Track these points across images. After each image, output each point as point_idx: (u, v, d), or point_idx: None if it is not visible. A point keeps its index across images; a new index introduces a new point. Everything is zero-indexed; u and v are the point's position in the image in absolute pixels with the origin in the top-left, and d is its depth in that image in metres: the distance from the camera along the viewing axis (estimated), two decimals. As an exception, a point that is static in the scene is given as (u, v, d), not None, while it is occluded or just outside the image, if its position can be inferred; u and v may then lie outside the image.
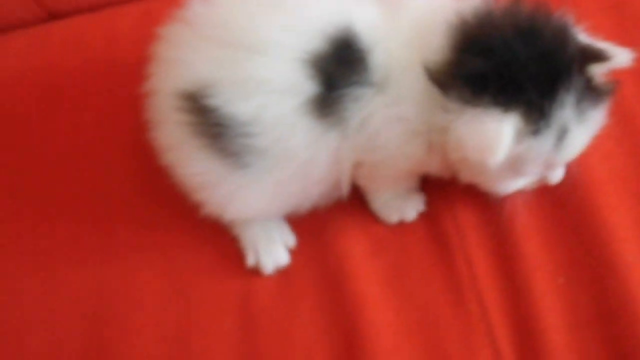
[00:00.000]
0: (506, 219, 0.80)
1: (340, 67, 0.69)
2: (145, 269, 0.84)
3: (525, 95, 0.65)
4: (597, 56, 0.68)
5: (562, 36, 0.68)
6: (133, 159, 0.88)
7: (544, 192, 0.79)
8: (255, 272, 0.82)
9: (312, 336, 0.79)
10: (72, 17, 1.01)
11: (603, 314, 0.76)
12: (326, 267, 0.82)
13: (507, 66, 0.66)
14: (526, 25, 0.68)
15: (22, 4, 1.00)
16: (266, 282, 0.82)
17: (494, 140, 0.65)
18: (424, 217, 0.83)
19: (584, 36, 0.70)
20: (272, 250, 0.82)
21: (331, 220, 0.83)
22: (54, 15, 1.01)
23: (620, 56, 0.69)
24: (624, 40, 0.71)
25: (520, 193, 0.77)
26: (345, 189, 0.78)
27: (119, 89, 0.91)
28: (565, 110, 0.67)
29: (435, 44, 0.69)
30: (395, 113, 0.70)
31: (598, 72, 0.69)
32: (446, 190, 0.82)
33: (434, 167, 0.76)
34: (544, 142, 0.67)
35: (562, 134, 0.67)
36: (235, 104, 0.69)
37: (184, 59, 0.72)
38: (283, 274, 0.82)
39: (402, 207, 0.83)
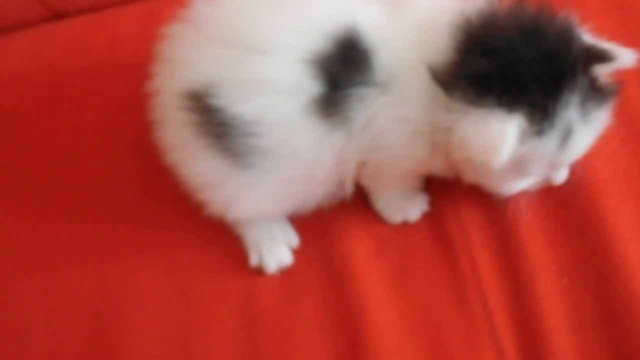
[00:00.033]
0: (510, 219, 0.80)
1: (344, 67, 0.69)
2: (148, 269, 0.84)
3: (529, 96, 0.65)
4: (602, 57, 0.68)
5: (566, 37, 0.68)
6: (136, 158, 0.88)
7: (548, 193, 0.79)
8: (259, 272, 0.82)
9: (315, 336, 0.79)
10: (75, 17, 1.01)
11: (607, 315, 0.76)
12: (329, 267, 0.82)
13: (511, 67, 0.66)
14: (530, 25, 0.68)
15: (25, 4, 1.00)
16: (269, 282, 0.82)
17: (498, 141, 0.64)
18: (427, 217, 0.83)
19: (588, 37, 0.70)
20: (275, 250, 0.82)
21: (335, 220, 0.83)
22: (57, 15, 1.01)
23: (624, 57, 0.68)
24: (628, 40, 0.71)
25: (524, 193, 0.77)
26: (349, 189, 0.78)
27: (122, 89, 0.91)
28: (570, 111, 0.66)
29: (439, 45, 0.69)
30: (400, 113, 0.70)
31: (602, 72, 0.69)
32: (450, 190, 0.82)
33: (437, 167, 0.76)
34: (548, 142, 0.67)
35: (567, 135, 0.67)
36: (239, 103, 0.69)
37: (188, 59, 0.72)
38: (286, 274, 0.82)
39: (406, 208, 0.83)
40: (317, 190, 0.77)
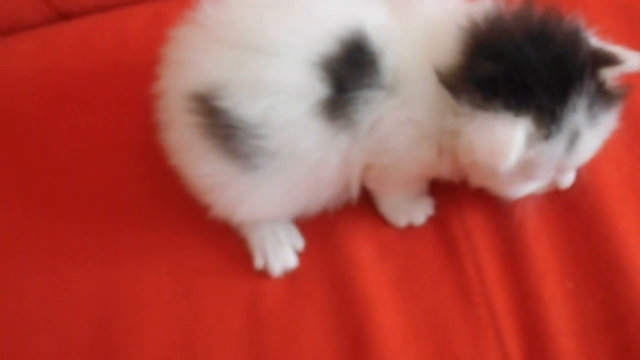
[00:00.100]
0: (516, 223, 0.79)
1: (351, 69, 0.69)
2: (151, 270, 0.84)
3: (536, 100, 0.65)
4: (609, 60, 0.68)
5: (573, 40, 0.68)
6: (142, 160, 0.88)
7: (554, 197, 0.79)
8: (263, 274, 0.82)
9: (320, 339, 0.79)
10: (81, 18, 1.01)
11: (612, 319, 0.76)
12: (334, 269, 0.81)
13: (519, 70, 0.66)
14: (537, 29, 0.68)
15: (30, 4, 1.01)
16: (274, 284, 0.82)
17: (505, 145, 0.64)
18: (433, 220, 0.83)
19: (595, 40, 0.70)
20: (280, 252, 0.82)
21: (340, 223, 0.83)
22: (63, 16, 1.01)
23: (632, 60, 0.68)
24: (634, 44, 0.71)
25: (530, 197, 0.77)
26: (354, 192, 0.78)
27: (127, 90, 0.91)
28: (577, 115, 0.66)
29: (446, 48, 0.68)
30: (406, 116, 0.70)
31: (610, 76, 0.69)
32: (455, 194, 0.82)
33: (444, 170, 0.75)
34: (556, 146, 0.67)
35: (574, 138, 0.67)
36: (245, 105, 0.69)
37: (194, 61, 0.72)
38: (291, 276, 0.82)
39: (411, 211, 0.82)
40: (322, 192, 0.77)
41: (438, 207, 0.83)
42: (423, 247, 0.82)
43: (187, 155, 0.76)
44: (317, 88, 0.69)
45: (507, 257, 0.80)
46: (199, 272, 0.83)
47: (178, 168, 0.78)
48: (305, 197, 0.77)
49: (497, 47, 0.67)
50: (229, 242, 0.84)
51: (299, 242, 0.84)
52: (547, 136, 0.66)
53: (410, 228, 0.83)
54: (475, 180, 0.74)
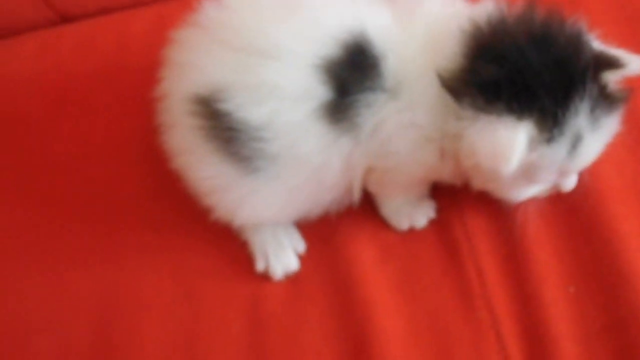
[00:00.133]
0: (517, 226, 0.79)
1: (353, 72, 0.69)
2: (152, 272, 0.84)
3: (538, 103, 0.65)
4: (612, 63, 0.68)
5: (576, 43, 0.68)
6: (143, 162, 0.88)
7: (555, 200, 0.79)
8: (265, 277, 0.82)
9: (321, 342, 0.79)
10: (84, 21, 1.01)
11: (614, 323, 0.76)
12: (336, 273, 0.81)
13: (521, 73, 0.65)
14: (540, 32, 0.68)
15: (33, 7, 1.01)
16: (275, 287, 0.82)
17: (507, 148, 0.64)
18: (434, 224, 0.83)
19: (597, 43, 0.70)
20: (281, 255, 0.82)
21: (341, 226, 0.82)
22: (65, 18, 1.02)
23: (634, 63, 0.68)
24: (636, 47, 0.71)
25: (532, 200, 0.77)
26: (356, 195, 0.78)
27: (130, 93, 0.91)
28: (579, 118, 0.66)
29: (448, 51, 0.68)
30: (408, 119, 0.70)
31: (612, 79, 0.69)
32: (457, 197, 0.82)
33: (446, 173, 0.75)
34: (558, 149, 0.67)
35: (576, 142, 0.67)
36: (247, 108, 0.69)
37: (196, 63, 0.72)
38: (292, 279, 0.82)
39: (413, 214, 0.82)
40: (324, 195, 0.77)
41: (440, 210, 0.83)
42: (424, 250, 0.82)
43: (189, 157, 0.76)
44: (319, 91, 0.69)
45: (508, 260, 0.80)
46: (200, 274, 0.83)
47: (180, 170, 0.78)
48: (307, 200, 0.77)
49: (499, 50, 0.67)
50: (231, 245, 0.84)
51: (301, 245, 0.84)
52: (550, 139, 0.66)
53: (412, 231, 0.83)
54: (477, 183, 0.74)
